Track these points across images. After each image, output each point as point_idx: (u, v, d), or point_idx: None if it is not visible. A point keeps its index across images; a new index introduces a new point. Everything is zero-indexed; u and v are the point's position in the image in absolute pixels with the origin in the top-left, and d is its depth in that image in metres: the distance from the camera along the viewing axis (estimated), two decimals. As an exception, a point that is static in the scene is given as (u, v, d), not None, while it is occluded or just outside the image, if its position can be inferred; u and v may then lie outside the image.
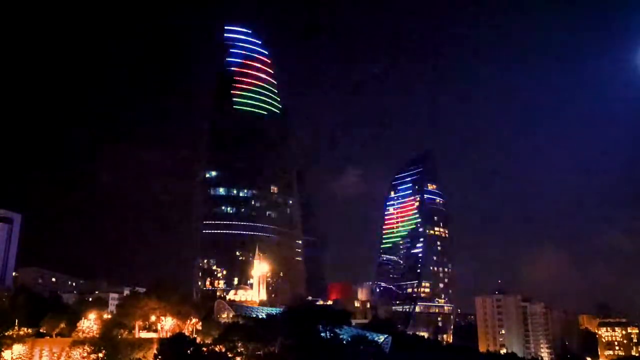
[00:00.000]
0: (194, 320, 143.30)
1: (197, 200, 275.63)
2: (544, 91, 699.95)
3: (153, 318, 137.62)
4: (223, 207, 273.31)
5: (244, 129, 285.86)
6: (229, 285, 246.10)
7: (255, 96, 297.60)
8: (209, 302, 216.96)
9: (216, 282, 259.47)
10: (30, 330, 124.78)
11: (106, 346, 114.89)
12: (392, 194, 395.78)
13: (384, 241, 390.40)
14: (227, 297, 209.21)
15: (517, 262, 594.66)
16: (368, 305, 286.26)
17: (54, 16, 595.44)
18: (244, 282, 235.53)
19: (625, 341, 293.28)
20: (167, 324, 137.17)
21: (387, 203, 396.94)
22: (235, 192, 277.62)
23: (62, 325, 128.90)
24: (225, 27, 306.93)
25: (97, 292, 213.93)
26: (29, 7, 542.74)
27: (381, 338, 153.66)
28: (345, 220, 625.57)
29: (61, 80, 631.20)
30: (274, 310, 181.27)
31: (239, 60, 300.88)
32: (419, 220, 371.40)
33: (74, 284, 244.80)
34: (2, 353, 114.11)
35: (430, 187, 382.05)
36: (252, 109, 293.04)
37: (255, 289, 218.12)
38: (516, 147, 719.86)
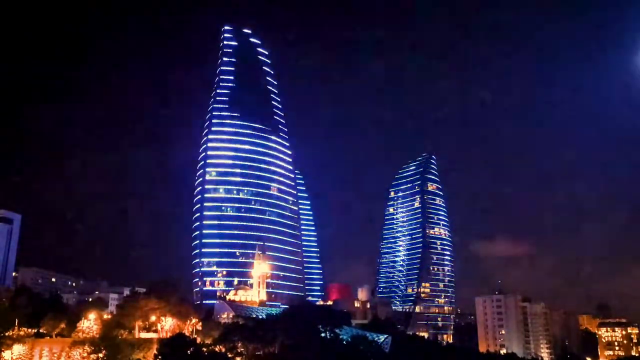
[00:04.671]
0: (194, 320, 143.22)
1: (197, 200, 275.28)
2: (543, 91, 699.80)
3: (153, 318, 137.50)
4: (223, 207, 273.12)
5: (244, 129, 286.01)
6: (229, 286, 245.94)
7: (256, 96, 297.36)
8: (208, 302, 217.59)
9: (216, 282, 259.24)
10: (30, 331, 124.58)
11: (106, 346, 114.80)
12: (392, 194, 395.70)
13: (384, 241, 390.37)
14: (227, 297, 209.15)
15: (518, 261, 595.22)
16: (368, 306, 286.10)
17: (53, 14, 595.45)
18: (244, 282, 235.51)
19: (625, 341, 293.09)
20: (167, 324, 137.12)
21: (387, 203, 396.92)
22: (235, 192, 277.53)
23: (62, 325, 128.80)
24: (225, 28, 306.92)
25: (97, 292, 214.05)
26: (30, 3, 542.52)
27: (381, 338, 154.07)
28: (346, 221, 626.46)
29: (60, 80, 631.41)
30: (274, 310, 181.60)
31: (239, 60, 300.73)
32: (419, 220, 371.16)
33: (74, 284, 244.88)
34: (2, 353, 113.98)
35: (430, 187, 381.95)
36: (253, 109, 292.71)
37: (255, 289, 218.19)
38: (516, 147, 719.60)
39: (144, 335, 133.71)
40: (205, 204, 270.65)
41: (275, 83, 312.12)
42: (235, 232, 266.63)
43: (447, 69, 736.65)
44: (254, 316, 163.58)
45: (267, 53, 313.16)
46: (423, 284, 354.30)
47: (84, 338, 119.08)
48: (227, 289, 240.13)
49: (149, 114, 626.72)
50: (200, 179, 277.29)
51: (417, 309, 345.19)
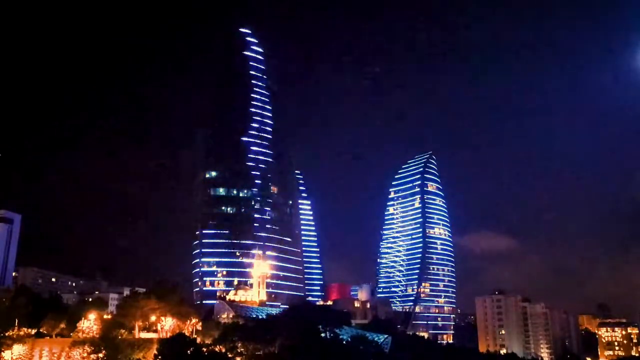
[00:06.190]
0: (194, 320, 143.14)
1: (197, 201, 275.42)
2: (544, 91, 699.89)
3: (153, 318, 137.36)
4: (223, 208, 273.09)
5: (244, 129, 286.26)
6: (229, 286, 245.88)
7: (256, 96, 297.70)
8: (208, 302, 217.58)
9: (216, 282, 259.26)
10: (30, 331, 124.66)
11: (106, 346, 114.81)
12: (392, 194, 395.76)
13: (383, 241, 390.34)
14: (227, 298, 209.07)
15: (518, 261, 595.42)
16: (368, 305, 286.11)
17: (56, 15, 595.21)
18: (244, 282, 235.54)
19: (625, 341, 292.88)
20: (167, 324, 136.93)
21: (387, 203, 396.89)
22: (235, 192, 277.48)
23: (62, 325, 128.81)
24: (226, 30, 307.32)
25: (97, 292, 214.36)
26: (30, 5, 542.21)
27: (381, 338, 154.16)
28: (346, 220, 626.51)
29: (62, 81, 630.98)
30: (274, 311, 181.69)
31: (239, 62, 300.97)
32: (419, 220, 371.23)
33: (74, 284, 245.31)
34: (2, 353, 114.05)
35: (430, 187, 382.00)
36: (252, 109, 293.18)
37: (255, 289, 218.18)
38: (516, 147, 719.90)
39: (144, 335, 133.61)
40: (206, 204, 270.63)
41: (276, 84, 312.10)
42: (235, 232, 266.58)
43: (447, 69, 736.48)
44: (254, 316, 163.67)
45: (266, 54, 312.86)
46: (423, 284, 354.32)
47: (84, 338, 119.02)
48: (227, 289, 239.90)
49: (149, 114, 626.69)
50: (201, 178, 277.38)
51: (417, 309, 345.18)
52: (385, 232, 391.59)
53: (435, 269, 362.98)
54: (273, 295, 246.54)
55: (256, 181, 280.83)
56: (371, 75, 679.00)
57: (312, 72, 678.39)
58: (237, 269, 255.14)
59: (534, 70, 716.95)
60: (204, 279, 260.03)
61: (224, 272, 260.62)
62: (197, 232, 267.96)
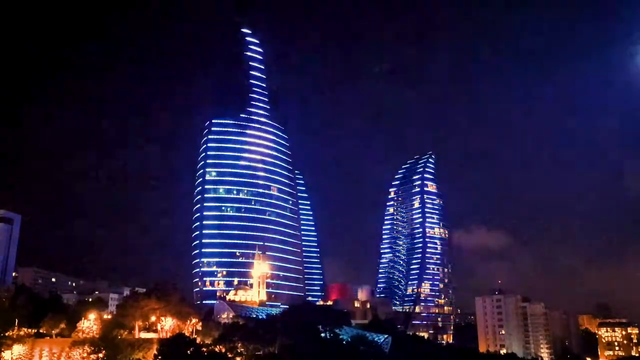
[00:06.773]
0: (194, 320, 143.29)
1: (197, 200, 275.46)
2: (544, 91, 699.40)
3: (153, 318, 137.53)
4: (223, 207, 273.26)
5: (244, 129, 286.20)
6: (229, 286, 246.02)
7: (256, 96, 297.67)
8: (209, 302, 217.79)
9: (216, 282, 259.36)
10: (30, 331, 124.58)
11: (106, 346, 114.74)
12: (392, 194, 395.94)
13: (383, 241, 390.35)
14: (227, 298, 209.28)
15: (518, 261, 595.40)
16: (368, 306, 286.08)
17: (55, 14, 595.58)
18: (244, 282, 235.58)
19: (625, 341, 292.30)
20: (167, 325, 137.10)
21: (387, 203, 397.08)
22: (235, 192, 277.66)
23: (62, 325, 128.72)
24: (227, 30, 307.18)
25: (97, 292, 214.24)
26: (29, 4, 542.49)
27: (381, 338, 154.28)
28: (346, 220, 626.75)
29: (62, 81, 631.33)
30: (274, 311, 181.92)
31: (241, 62, 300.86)
32: (419, 220, 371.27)
33: (74, 284, 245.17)
34: (2, 353, 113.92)
35: (430, 187, 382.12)
36: (253, 109, 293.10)
37: (255, 289, 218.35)
38: (516, 146, 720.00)
39: (144, 335, 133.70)
40: (205, 204, 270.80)
41: (278, 84, 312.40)
42: (235, 232, 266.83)
43: (448, 69, 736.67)
44: (254, 316, 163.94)
45: (268, 54, 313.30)
46: (423, 284, 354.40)
47: (84, 338, 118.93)
48: (227, 289, 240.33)
49: (149, 114, 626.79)
50: (200, 179, 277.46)
51: (417, 309, 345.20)
52: (385, 232, 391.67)
53: (435, 269, 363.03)
54: (273, 295, 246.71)
55: (256, 181, 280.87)
56: (372, 75, 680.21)
57: (312, 73, 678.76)
58: (237, 269, 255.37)
59: (533, 70, 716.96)
60: (204, 279, 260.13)
61: (224, 272, 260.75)
62: (197, 232, 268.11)
